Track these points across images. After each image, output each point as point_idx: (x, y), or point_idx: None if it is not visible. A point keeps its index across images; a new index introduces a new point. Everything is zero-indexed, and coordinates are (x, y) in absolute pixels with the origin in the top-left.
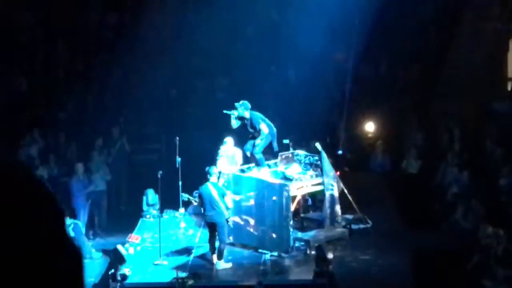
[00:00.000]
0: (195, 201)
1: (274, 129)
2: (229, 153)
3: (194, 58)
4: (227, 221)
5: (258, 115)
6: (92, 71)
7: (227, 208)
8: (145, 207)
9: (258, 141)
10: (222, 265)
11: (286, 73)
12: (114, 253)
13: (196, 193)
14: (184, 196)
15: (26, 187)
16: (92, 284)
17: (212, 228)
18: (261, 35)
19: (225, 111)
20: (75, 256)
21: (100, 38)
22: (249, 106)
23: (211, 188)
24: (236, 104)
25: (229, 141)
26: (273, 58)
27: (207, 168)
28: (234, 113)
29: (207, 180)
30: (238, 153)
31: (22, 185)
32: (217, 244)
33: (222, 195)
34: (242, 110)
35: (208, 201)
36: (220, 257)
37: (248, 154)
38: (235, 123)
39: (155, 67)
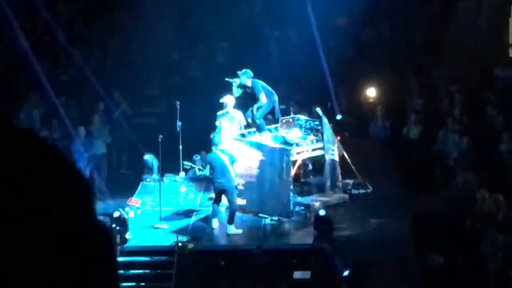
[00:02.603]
0: (199, 169)
1: (276, 96)
2: (230, 115)
3: (195, 21)
4: (237, 187)
5: (259, 83)
6: (93, 34)
7: (236, 174)
8: (145, 171)
9: (259, 107)
10: (233, 230)
11: (288, 37)
12: (114, 216)
13: (195, 156)
14: (187, 164)
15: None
16: None
17: (220, 194)
18: None
19: (227, 79)
20: (105, 236)
21: (101, 1)
22: (251, 74)
23: (221, 155)
24: (238, 72)
25: (229, 101)
26: (275, 22)
27: (211, 135)
28: (236, 81)
29: (211, 147)
30: (239, 114)
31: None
32: (220, 209)
33: (232, 162)
34: (245, 78)
35: (220, 168)
36: (231, 222)
37: (250, 119)
38: (236, 91)
39: (155, 30)
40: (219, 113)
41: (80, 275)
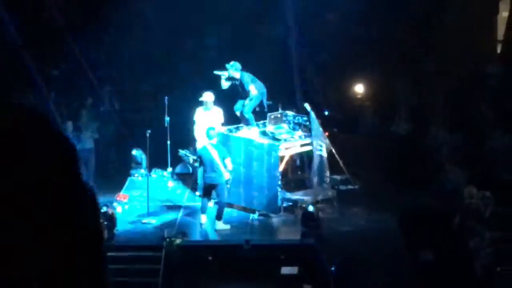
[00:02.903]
0: (194, 159)
1: (264, 89)
2: (209, 112)
3: (184, 16)
4: (227, 183)
5: (248, 75)
6: (82, 29)
7: (227, 169)
8: (133, 166)
9: (247, 101)
10: (220, 225)
11: (277, 33)
12: (102, 212)
13: (186, 151)
14: (182, 152)
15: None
16: None
17: (209, 189)
18: None
19: (215, 72)
20: (90, 199)
21: None
22: (240, 66)
23: (211, 149)
24: (226, 64)
25: (208, 97)
26: (264, 18)
27: (206, 130)
28: (224, 74)
29: (201, 139)
30: (219, 111)
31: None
32: (208, 204)
33: (223, 157)
34: (233, 70)
35: (209, 163)
36: (219, 217)
37: (238, 113)
38: (225, 84)
39: (144, 25)
40: (199, 109)
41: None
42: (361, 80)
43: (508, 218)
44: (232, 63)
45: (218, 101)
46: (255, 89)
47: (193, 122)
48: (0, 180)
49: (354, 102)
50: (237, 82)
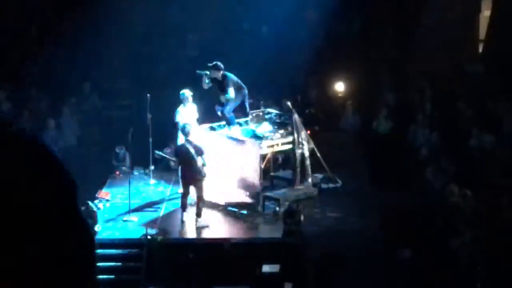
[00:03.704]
0: (173, 161)
1: (246, 91)
2: (185, 108)
3: (166, 13)
4: (204, 179)
5: (230, 76)
6: (64, 26)
7: (204, 166)
8: (115, 163)
9: (227, 100)
10: (201, 222)
11: (258, 30)
12: (83, 209)
13: (166, 149)
14: (157, 154)
15: (33, 155)
16: None
17: (188, 186)
18: None
19: (198, 71)
20: (86, 235)
21: None
22: (222, 67)
23: (188, 146)
24: (208, 64)
25: (188, 93)
26: (245, 15)
27: (182, 126)
28: (206, 73)
29: (182, 138)
30: (194, 108)
31: (29, 153)
32: (189, 201)
33: (200, 154)
34: (215, 71)
35: (186, 160)
36: (199, 214)
37: (219, 113)
38: (206, 84)
39: (126, 22)
40: (179, 108)
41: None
42: (343, 78)
43: (489, 216)
44: (214, 63)
45: (200, 99)
46: (234, 92)
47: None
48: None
49: (336, 100)
50: (218, 83)
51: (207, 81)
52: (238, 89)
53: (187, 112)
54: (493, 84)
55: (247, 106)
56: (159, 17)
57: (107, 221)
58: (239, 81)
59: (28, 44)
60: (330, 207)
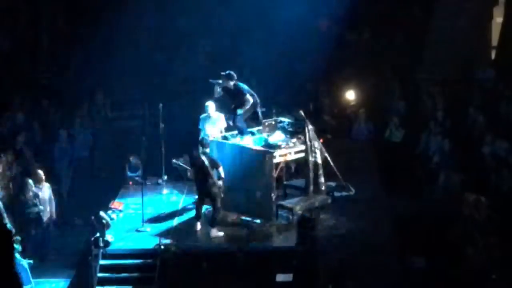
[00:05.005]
0: (189, 170)
1: (257, 99)
2: (212, 118)
3: (178, 22)
4: (220, 190)
5: (242, 85)
6: (76, 36)
7: (219, 178)
8: (128, 174)
9: (241, 111)
10: (215, 233)
11: (270, 39)
12: (96, 220)
13: (180, 160)
14: (174, 163)
15: None
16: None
17: (203, 196)
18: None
19: (210, 80)
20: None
21: (84, 1)
22: (235, 76)
23: (204, 158)
24: (221, 73)
25: (211, 105)
26: (257, 25)
27: (200, 138)
28: (219, 82)
29: (198, 150)
30: (221, 117)
31: None
32: (203, 211)
33: (215, 166)
34: (227, 80)
35: (202, 172)
36: (213, 225)
37: (231, 123)
38: (218, 92)
39: (138, 32)
40: (202, 116)
41: None
42: (354, 86)
43: (502, 223)
44: (227, 72)
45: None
46: (250, 98)
47: (198, 130)
48: None
49: (348, 109)
50: (230, 92)
51: (219, 89)
52: (252, 98)
53: (211, 124)
54: (505, 90)
55: (260, 114)
56: (171, 27)
57: (121, 231)
58: (250, 90)
59: (40, 54)
60: (343, 216)
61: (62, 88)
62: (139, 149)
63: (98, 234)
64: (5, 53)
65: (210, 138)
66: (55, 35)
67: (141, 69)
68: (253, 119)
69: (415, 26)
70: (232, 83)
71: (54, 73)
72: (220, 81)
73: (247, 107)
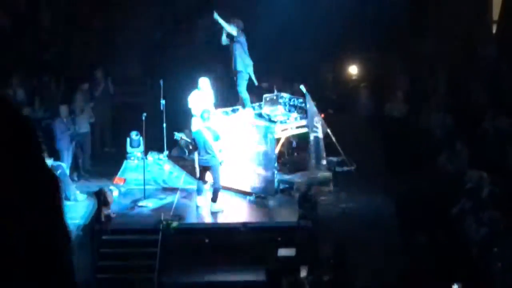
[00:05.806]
0: (191, 144)
1: (251, 61)
2: (203, 94)
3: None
4: (221, 164)
5: (244, 43)
6: (76, 13)
7: (220, 152)
8: (129, 149)
9: (238, 80)
10: (216, 207)
11: (272, 14)
12: (98, 195)
13: (182, 133)
14: (177, 135)
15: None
16: (77, 226)
17: (204, 171)
18: None
19: (216, 17)
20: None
21: None
22: (242, 26)
23: (205, 132)
24: (230, 18)
25: (205, 82)
26: None
27: (201, 112)
28: (225, 26)
29: (198, 123)
30: (210, 93)
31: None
32: (204, 186)
33: (216, 139)
34: (233, 27)
35: (203, 145)
36: (214, 199)
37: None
38: (224, 40)
39: (138, 9)
40: (193, 92)
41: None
42: (357, 60)
43: (504, 198)
44: (236, 20)
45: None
46: (242, 64)
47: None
48: None
49: (349, 83)
50: (232, 43)
51: (224, 36)
52: (245, 63)
53: (203, 98)
54: (507, 65)
55: (253, 77)
56: (171, 3)
57: (123, 207)
58: (247, 51)
59: (41, 31)
60: (345, 190)
61: (63, 64)
62: (141, 125)
63: (99, 210)
64: (6, 31)
65: (197, 115)
66: (56, 12)
67: (142, 46)
68: (249, 86)
69: (419, 1)
70: (235, 31)
71: (55, 51)
72: (228, 27)
73: (240, 74)
